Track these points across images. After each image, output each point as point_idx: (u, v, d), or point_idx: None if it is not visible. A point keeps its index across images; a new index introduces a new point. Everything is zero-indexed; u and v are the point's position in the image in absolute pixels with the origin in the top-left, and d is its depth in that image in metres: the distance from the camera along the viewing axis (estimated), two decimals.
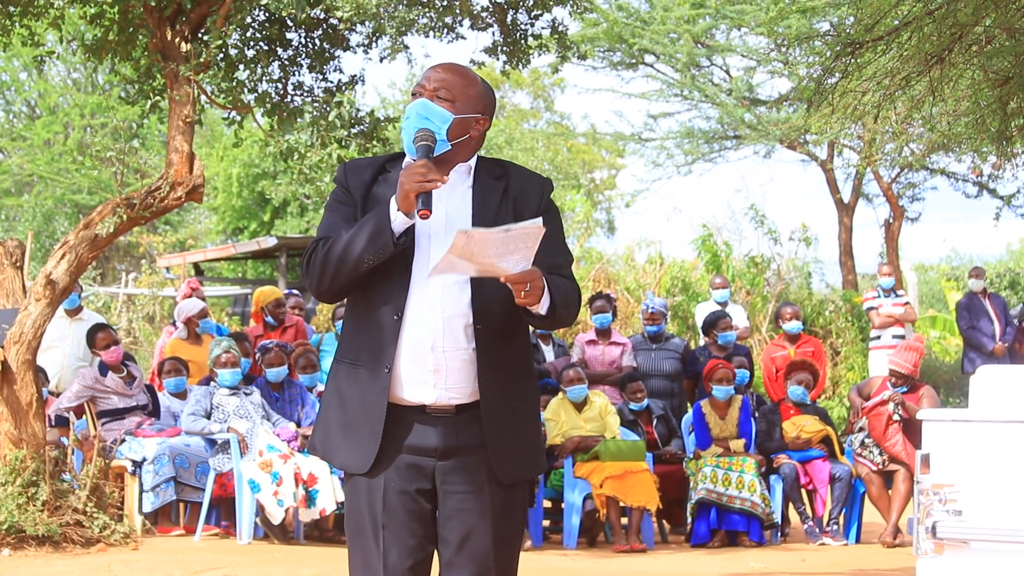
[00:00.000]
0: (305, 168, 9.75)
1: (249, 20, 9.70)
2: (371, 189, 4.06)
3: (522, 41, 9.87)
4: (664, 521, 11.57)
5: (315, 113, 9.75)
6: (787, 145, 22.63)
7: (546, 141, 36.02)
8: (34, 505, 9.01)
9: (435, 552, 4.05)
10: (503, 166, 4.15)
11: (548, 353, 12.28)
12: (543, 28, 9.94)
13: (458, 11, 9.63)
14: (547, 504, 11.30)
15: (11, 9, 9.43)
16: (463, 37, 9.94)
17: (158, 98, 9.88)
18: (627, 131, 24.69)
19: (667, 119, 24.24)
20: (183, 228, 33.80)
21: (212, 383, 10.68)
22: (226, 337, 11.36)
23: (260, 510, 9.98)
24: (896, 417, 10.92)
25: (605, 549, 10.67)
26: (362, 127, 9.79)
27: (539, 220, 3.73)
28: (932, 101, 8.41)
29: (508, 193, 4.06)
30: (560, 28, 9.97)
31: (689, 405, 12.15)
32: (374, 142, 9.77)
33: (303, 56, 10.01)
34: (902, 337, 15.29)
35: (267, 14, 9.73)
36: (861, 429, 11.18)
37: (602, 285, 18.81)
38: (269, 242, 22.32)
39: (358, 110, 9.88)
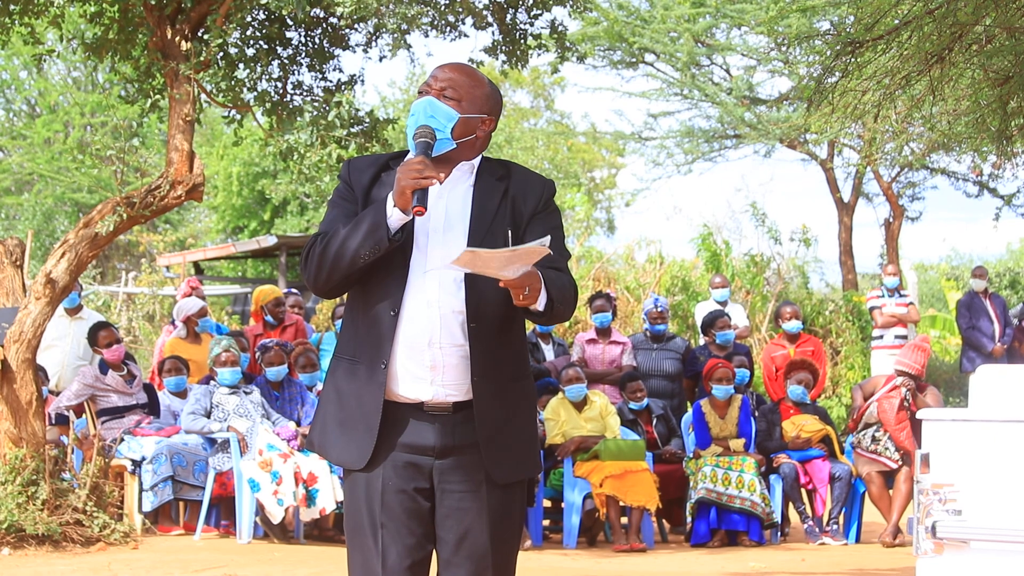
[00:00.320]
0: (304, 168, 9.74)
1: (249, 19, 9.70)
2: (373, 186, 4.07)
3: (521, 41, 9.86)
4: (664, 521, 11.57)
5: (315, 113, 9.74)
6: (787, 144, 22.62)
7: (546, 140, 36.02)
8: (34, 504, 9.02)
9: (434, 551, 4.04)
10: (506, 167, 4.15)
11: (548, 352, 12.28)
12: (543, 28, 9.94)
13: (459, 9, 9.62)
14: (547, 503, 11.30)
15: (11, 7, 9.42)
16: (465, 35, 9.94)
17: (158, 97, 9.88)
18: (627, 130, 24.70)
19: (667, 118, 24.23)
20: (183, 227, 33.80)
21: (212, 382, 10.68)
22: (226, 336, 11.36)
23: (260, 509, 9.98)
24: (907, 404, 10.92)
25: (605, 549, 10.67)
26: (362, 127, 9.79)
27: (547, 240, 3.74)
28: (932, 100, 8.40)
29: (508, 194, 4.06)
30: (559, 28, 9.96)
31: (689, 404, 12.15)
32: (374, 142, 9.76)
33: (303, 55, 10.00)
34: (904, 338, 15.31)
35: (267, 13, 9.73)
36: (869, 425, 11.14)
37: (602, 284, 18.80)
38: (269, 241, 22.33)
39: (358, 110, 9.87)
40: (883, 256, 23.75)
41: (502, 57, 9.93)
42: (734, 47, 22.13)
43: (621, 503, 10.56)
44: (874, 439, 11.06)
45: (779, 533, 11.13)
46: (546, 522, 11.28)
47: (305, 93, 10.04)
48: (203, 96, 9.93)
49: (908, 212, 23.55)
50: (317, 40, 9.99)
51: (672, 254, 22.18)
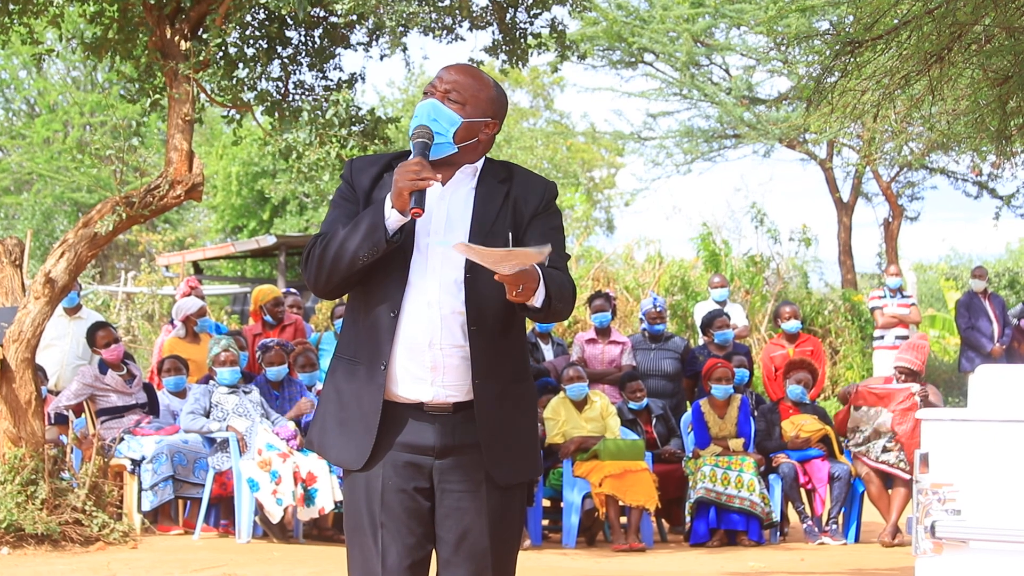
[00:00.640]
0: (304, 167, 9.74)
1: (249, 18, 9.70)
2: (375, 187, 4.07)
3: (521, 40, 9.86)
4: (663, 520, 11.56)
5: (314, 112, 9.74)
6: (786, 144, 22.64)
7: (545, 140, 36.01)
8: (33, 504, 9.02)
9: (433, 551, 4.04)
10: (508, 169, 4.15)
11: (547, 352, 12.28)
12: (542, 27, 9.94)
13: (457, 10, 9.62)
14: (546, 503, 11.30)
15: (10, 7, 9.42)
16: (462, 39, 9.94)
17: (159, 96, 9.88)
18: (626, 130, 24.72)
19: (666, 118, 24.27)
20: (182, 226, 33.81)
21: (211, 381, 10.69)
22: (225, 335, 11.37)
23: (259, 509, 9.98)
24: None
25: (604, 548, 10.67)
26: (362, 125, 9.79)
27: (547, 248, 3.73)
28: (931, 100, 8.41)
29: (510, 196, 4.06)
30: (559, 27, 9.96)
31: (689, 404, 12.15)
32: (375, 141, 9.76)
33: (303, 54, 10.00)
34: (905, 338, 15.30)
35: (267, 12, 9.73)
36: (880, 433, 11.02)
37: (601, 284, 18.82)
38: (268, 240, 22.33)
39: (358, 108, 9.87)
40: (882, 256, 23.77)
41: (502, 56, 9.93)
42: (733, 47, 22.15)
43: (620, 503, 10.56)
44: (885, 449, 10.96)
45: (778, 533, 11.13)
46: (545, 522, 11.28)
47: (306, 92, 10.05)
48: (203, 96, 9.93)
49: (907, 212, 23.58)
50: (317, 39, 9.99)
51: (671, 254, 22.20)
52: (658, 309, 12.48)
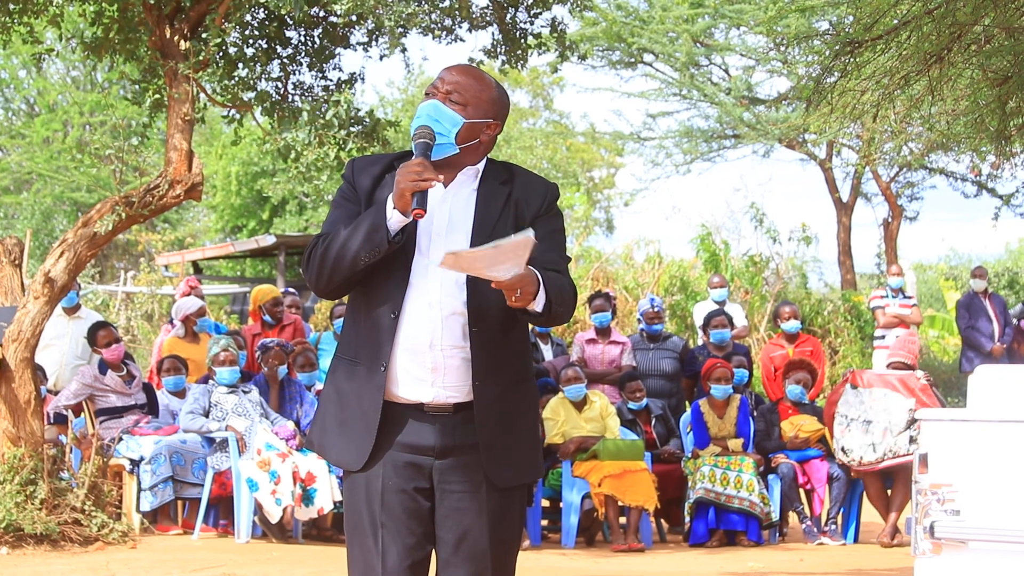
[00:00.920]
0: (302, 167, 9.74)
1: (248, 18, 9.70)
2: (377, 187, 4.06)
3: (521, 40, 9.86)
4: (662, 520, 11.56)
5: (314, 112, 9.73)
6: (786, 144, 22.65)
7: (545, 140, 36.03)
8: (32, 503, 9.01)
9: (433, 552, 4.04)
10: (510, 170, 4.14)
11: (547, 352, 12.27)
12: (542, 27, 9.94)
13: (457, 11, 9.62)
14: (545, 503, 11.30)
15: (10, 7, 9.43)
16: (461, 39, 9.94)
17: (157, 96, 9.88)
18: (626, 130, 24.74)
19: (666, 118, 24.28)
20: (182, 226, 33.81)
21: (210, 381, 10.68)
22: (224, 335, 11.36)
23: (258, 509, 9.98)
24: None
25: (603, 548, 10.67)
26: (362, 126, 9.78)
27: (530, 232, 3.71)
28: (931, 100, 8.41)
29: (512, 198, 4.05)
30: (559, 27, 9.96)
31: (688, 404, 12.15)
32: (374, 142, 9.76)
33: (303, 54, 10.00)
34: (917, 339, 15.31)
35: (266, 12, 9.73)
36: (892, 423, 10.93)
37: (601, 284, 18.82)
38: (268, 240, 22.32)
39: (357, 109, 9.87)
40: (881, 256, 23.78)
41: (502, 57, 9.93)
42: (733, 47, 22.16)
43: (620, 503, 10.56)
44: (912, 440, 10.89)
45: (777, 533, 11.12)
46: (544, 522, 11.28)
47: (305, 93, 10.04)
48: (202, 95, 9.93)
49: (907, 212, 23.58)
50: (317, 39, 9.99)
51: (671, 254, 22.20)
52: (656, 309, 12.48)
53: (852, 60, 7.76)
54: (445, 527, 3.98)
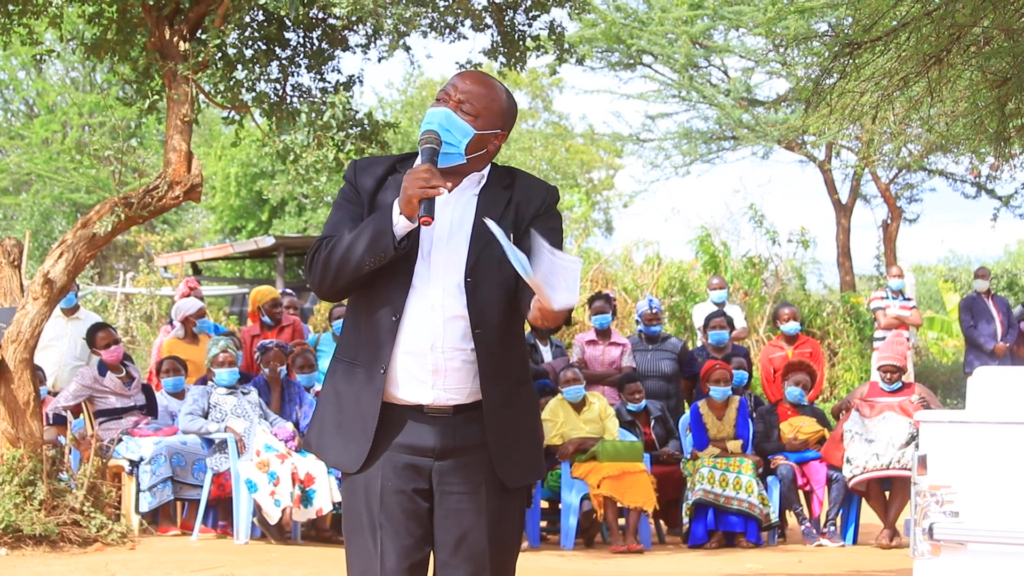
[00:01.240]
0: (300, 169, 9.74)
1: (247, 19, 9.70)
2: (380, 189, 4.05)
3: (520, 42, 9.86)
4: (661, 522, 11.56)
5: (312, 114, 9.73)
6: (785, 146, 22.64)
7: (544, 141, 36.03)
8: (31, 504, 9.01)
9: (431, 553, 4.04)
10: (512, 175, 4.14)
11: (546, 354, 12.27)
12: (541, 29, 9.94)
13: (457, 10, 9.62)
14: (544, 504, 11.30)
15: (10, 7, 9.42)
16: (464, 37, 9.94)
17: (156, 98, 9.88)
18: (625, 132, 24.72)
19: (665, 120, 24.32)
20: (181, 227, 33.80)
21: (209, 382, 10.68)
22: (223, 336, 11.36)
23: (257, 510, 9.98)
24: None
25: (602, 550, 10.67)
26: (361, 127, 9.78)
27: (579, 262, 3.73)
28: (930, 102, 8.41)
29: (512, 201, 4.05)
30: (558, 29, 9.96)
31: (687, 406, 12.15)
32: (373, 144, 9.75)
33: (302, 56, 10.00)
34: (906, 340, 15.29)
35: (265, 14, 9.73)
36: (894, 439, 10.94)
37: (600, 285, 18.82)
38: (267, 241, 22.32)
39: (356, 111, 9.87)
40: (880, 258, 23.77)
41: (501, 59, 9.93)
42: (732, 49, 22.16)
43: (618, 504, 10.55)
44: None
45: (776, 535, 11.12)
46: (543, 523, 11.28)
47: (304, 94, 10.04)
48: (201, 97, 9.93)
49: (906, 214, 23.58)
50: (316, 41, 9.99)
51: (670, 255, 22.22)
52: (653, 311, 12.48)
53: (851, 61, 7.77)
54: (444, 528, 3.97)
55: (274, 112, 9.84)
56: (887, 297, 15.61)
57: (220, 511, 10.54)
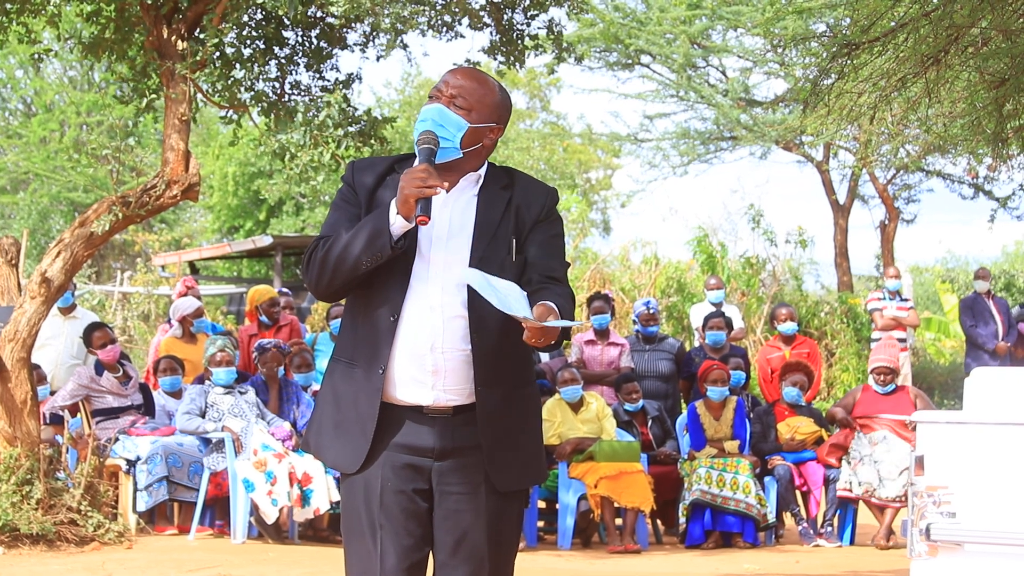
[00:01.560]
0: (296, 168, 9.73)
1: (246, 18, 9.69)
2: (377, 189, 4.05)
3: (518, 41, 9.86)
4: (658, 522, 11.56)
5: (308, 113, 9.72)
6: (783, 146, 22.64)
7: (542, 141, 36.01)
8: (28, 503, 9.00)
9: (431, 554, 4.04)
10: (510, 175, 4.14)
11: (543, 354, 12.27)
12: (539, 28, 9.94)
13: (455, 9, 9.62)
14: (541, 505, 11.30)
15: (8, 7, 9.42)
16: (462, 36, 9.93)
17: (153, 96, 9.87)
18: (623, 131, 24.70)
19: (663, 120, 24.29)
20: (178, 226, 33.78)
21: (207, 382, 10.68)
22: (221, 335, 11.36)
23: (254, 509, 9.98)
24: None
25: (599, 550, 10.67)
26: (359, 126, 9.77)
27: (561, 323, 3.74)
28: (928, 103, 8.41)
29: (512, 203, 4.05)
30: (557, 28, 9.96)
31: (684, 406, 12.15)
32: (372, 141, 9.75)
33: (300, 55, 10.00)
34: (903, 340, 15.31)
35: (263, 13, 9.72)
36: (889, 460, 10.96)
37: (597, 285, 18.81)
38: (264, 241, 22.31)
39: (355, 109, 9.86)
40: (878, 258, 23.78)
41: (500, 58, 9.93)
42: (730, 49, 22.15)
43: (616, 504, 10.56)
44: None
45: (773, 535, 11.12)
46: (540, 523, 11.28)
47: (303, 93, 10.04)
48: (199, 96, 9.92)
49: (903, 214, 23.58)
50: (314, 40, 9.99)
51: (668, 255, 22.19)
52: (651, 311, 12.48)
53: (849, 62, 7.77)
54: (443, 529, 3.97)
55: (272, 111, 9.83)
56: (884, 298, 15.61)
57: (217, 510, 10.53)
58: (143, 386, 11.16)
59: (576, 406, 11.00)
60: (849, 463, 11.00)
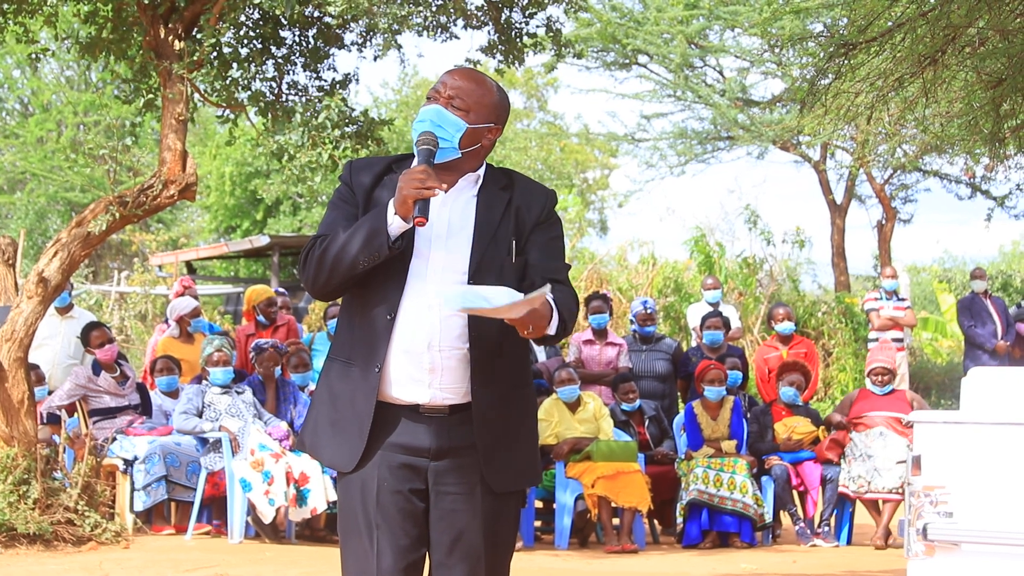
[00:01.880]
0: (295, 168, 9.73)
1: (243, 18, 9.69)
2: (375, 189, 4.05)
3: (517, 40, 9.86)
4: (655, 522, 11.57)
5: (306, 114, 9.72)
6: (780, 146, 22.65)
7: (539, 141, 36.01)
8: (25, 503, 9.00)
9: (427, 554, 4.04)
10: (509, 176, 4.14)
11: (540, 354, 12.27)
12: (538, 27, 9.94)
13: (452, 10, 9.61)
14: (538, 504, 11.30)
15: (5, 6, 9.41)
16: (457, 37, 9.93)
17: (151, 96, 9.87)
18: (620, 131, 24.72)
19: (660, 119, 24.28)
20: (176, 226, 33.77)
21: (204, 382, 10.68)
22: (218, 335, 11.35)
23: (251, 509, 9.98)
24: None
25: (596, 550, 10.67)
26: (356, 126, 9.77)
27: (547, 288, 3.74)
28: (925, 102, 8.41)
29: (512, 204, 4.05)
30: (555, 27, 9.96)
31: (681, 406, 12.15)
32: (369, 142, 9.75)
33: (297, 55, 9.99)
34: (900, 340, 15.32)
35: (261, 12, 9.72)
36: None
37: (595, 285, 18.81)
38: (261, 241, 22.32)
39: (352, 110, 9.86)
40: (876, 258, 23.79)
41: (498, 57, 9.93)
42: (727, 49, 22.16)
43: (613, 504, 10.55)
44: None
45: (770, 535, 11.13)
46: (537, 523, 11.27)
47: (299, 93, 10.04)
48: (196, 96, 9.92)
49: (900, 214, 23.60)
50: (311, 40, 9.99)
51: (665, 255, 22.22)
52: (648, 311, 12.48)
53: (846, 62, 7.77)
54: (439, 529, 3.97)
55: (269, 111, 9.83)
56: (881, 298, 15.62)
57: (214, 510, 10.53)
58: (140, 386, 11.16)
59: (573, 406, 11.00)
60: (845, 460, 11.02)
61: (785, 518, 11.46)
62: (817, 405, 16.40)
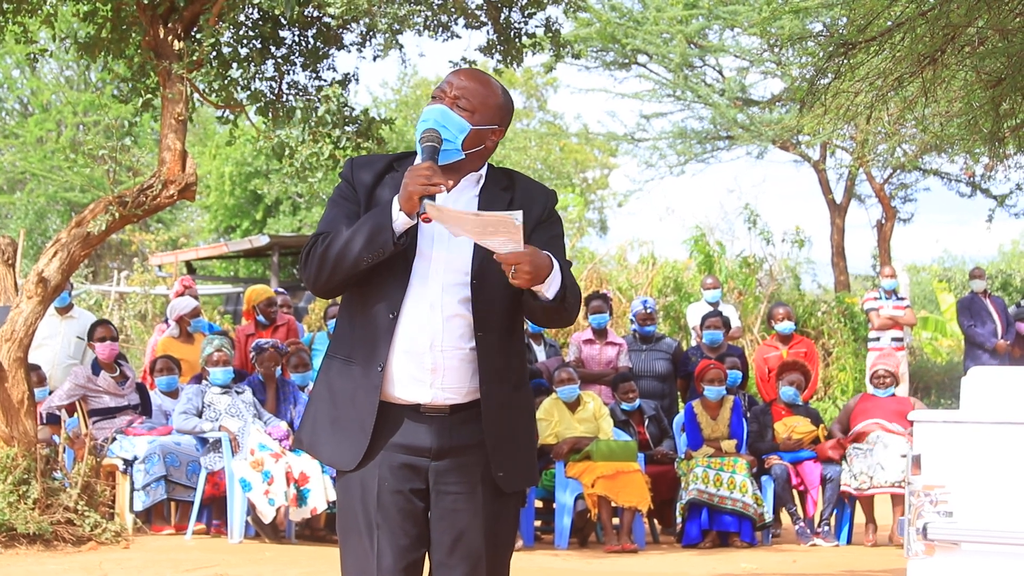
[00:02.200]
0: (296, 165, 9.73)
1: (242, 18, 9.69)
2: (376, 187, 4.04)
3: (516, 40, 9.86)
4: (655, 521, 11.57)
5: (307, 110, 9.72)
6: (780, 146, 22.66)
7: (539, 141, 36.02)
8: (25, 503, 9.00)
9: (427, 554, 4.03)
10: (510, 176, 4.14)
11: (539, 353, 12.27)
12: (537, 27, 9.94)
13: (452, 9, 9.61)
14: (538, 504, 11.30)
15: (4, 6, 9.41)
16: (457, 36, 9.93)
17: (151, 96, 9.87)
18: (620, 131, 24.74)
19: (660, 119, 24.29)
20: (175, 226, 33.77)
21: (204, 381, 10.68)
22: (218, 335, 11.35)
23: (251, 509, 9.98)
24: None
25: (596, 549, 10.67)
26: (356, 125, 9.77)
27: (519, 214, 3.72)
28: (925, 102, 8.42)
29: (513, 204, 4.04)
30: (554, 26, 9.96)
31: (681, 405, 12.15)
32: (370, 140, 9.75)
33: (296, 54, 9.99)
34: (900, 340, 15.32)
35: (260, 12, 9.72)
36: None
37: (595, 285, 18.82)
38: (261, 240, 22.32)
39: (352, 108, 9.86)
40: (875, 257, 23.80)
41: (497, 57, 9.93)
42: (727, 48, 22.17)
43: (613, 504, 10.55)
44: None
45: (770, 534, 11.13)
46: (537, 523, 11.28)
47: (300, 93, 10.04)
48: (196, 95, 9.92)
49: (900, 214, 23.60)
50: (311, 39, 9.99)
51: (664, 255, 22.24)
52: (648, 311, 12.48)
53: (846, 61, 7.77)
54: (440, 528, 3.97)
55: (269, 110, 9.83)
56: (881, 297, 15.62)
57: (214, 510, 10.53)
58: (140, 386, 11.16)
59: (573, 405, 10.99)
60: (847, 459, 11.03)
61: (785, 518, 11.46)
62: (817, 405, 16.42)
